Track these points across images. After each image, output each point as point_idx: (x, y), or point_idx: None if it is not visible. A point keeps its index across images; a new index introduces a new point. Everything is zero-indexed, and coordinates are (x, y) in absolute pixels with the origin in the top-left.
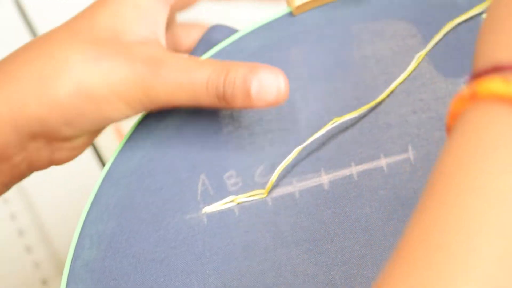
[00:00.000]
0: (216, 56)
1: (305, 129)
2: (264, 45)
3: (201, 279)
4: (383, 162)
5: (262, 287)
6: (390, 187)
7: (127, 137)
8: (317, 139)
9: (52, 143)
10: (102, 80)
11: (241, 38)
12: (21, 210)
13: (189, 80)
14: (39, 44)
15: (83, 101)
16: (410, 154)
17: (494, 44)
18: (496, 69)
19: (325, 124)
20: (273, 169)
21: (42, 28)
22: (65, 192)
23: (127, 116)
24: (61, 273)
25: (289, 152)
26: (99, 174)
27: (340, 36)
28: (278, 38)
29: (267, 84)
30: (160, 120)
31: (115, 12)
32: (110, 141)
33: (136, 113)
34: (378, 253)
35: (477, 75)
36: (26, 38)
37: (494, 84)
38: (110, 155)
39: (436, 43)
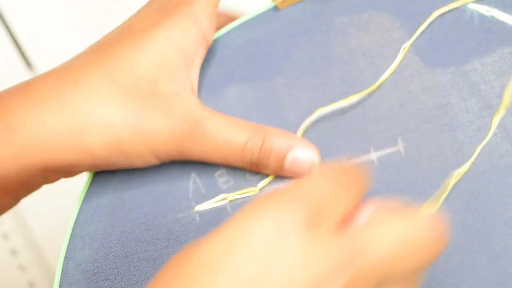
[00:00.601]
0: None
1: (293, 125)
2: (249, 40)
3: None
4: (373, 155)
5: None
6: (381, 180)
7: None
8: (306, 135)
9: (58, 175)
10: (140, 139)
11: (226, 34)
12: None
13: (226, 143)
14: (74, 87)
15: (116, 154)
16: (400, 146)
17: None
18: None
19: (315, 121)
20: None
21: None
22: (52, 198)
23: (151, 164)
24: (47, 276)
25: None
26: (87, 177)
27: (325, 29)
28: (263, 33)
29: (301, 159)
30: None
31: (157, 57)
32: None
33: (161, 162)
34: None
35: None
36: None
37: None
38: None
39: (421, 34)
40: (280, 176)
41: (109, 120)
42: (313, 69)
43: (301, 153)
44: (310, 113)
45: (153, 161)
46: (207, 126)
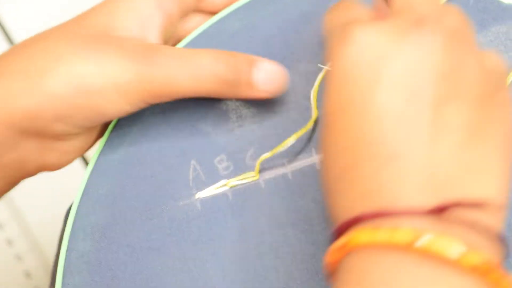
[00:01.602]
0: (197, 38)
1: (292, 110)
2: (245, 25)
3: (198, 264)
4: None
5: (261, 270)
6: None
7: (112, 125)
8: (306, 119)
9: (44, 141)
10: (97, 71)
11: (221, 19)
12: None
13: (190, 65)
14: (33, 41)
15: (76, 93)
16: None
17: (348, 196)
18: (357, 220)
19: (312, 104)
20: (263, 151)
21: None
22: (48, 192)
23: (123, 112)
24: (44, 265)
25: (278, 134)
26: (83, 173)
27: (322, 13)
28: (258, 18)
29: (271, 71)
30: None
31: (108, 11)
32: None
33: (133, 108)
34: None
35: (342, 228)
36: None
37: (362, 233)
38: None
39: None
40: (255, 96)
41: (62, 57)
42: (310, 54)
43: (269, 67)
44: (309, 99)
45: (121, 103)
46: (166, 52)
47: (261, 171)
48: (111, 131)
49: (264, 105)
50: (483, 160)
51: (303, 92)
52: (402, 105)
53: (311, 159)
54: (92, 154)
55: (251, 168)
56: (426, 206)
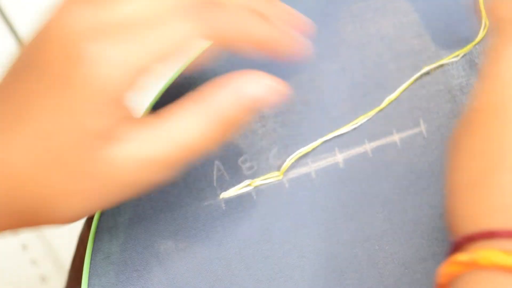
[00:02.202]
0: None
1: (315, 110)
2: None
3: (224, 264)
4: (396, 137)
5: (287, 269)
6: (405, 162)
7: None
8: (328, 118)
9: None
10: None
11: None
12: None
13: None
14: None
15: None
16: (422, 127)
17: (480, 206)
18: (489, 235)
19: (335, 103)
20: (286, 150)
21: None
22: None
23: None
24: (59, 270)
25: (301, 133)
26: None
27: (342, 15)
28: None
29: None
30: None
31: None
32: None
33: None
34: (398, 228)
35: (468, 239)
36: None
37: (494, 255)
38: None
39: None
40: None
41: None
42: (332, 54)
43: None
44: (332, 97)
45: None
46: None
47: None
48: None
49: (286, 104)
50: None
51: (327, 92)
52: None
53: (334, 158)
54: None
55: (275, 168)
56: None
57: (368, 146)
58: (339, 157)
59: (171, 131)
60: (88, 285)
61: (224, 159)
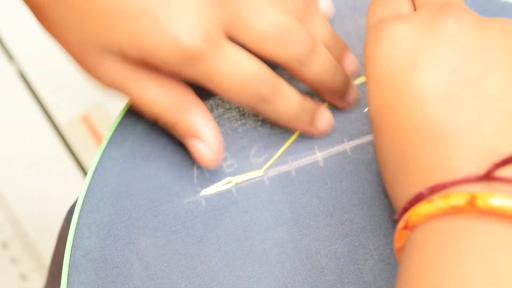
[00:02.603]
0: None
1: None
2: None
3: (204, 261)
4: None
5: (267, 265)
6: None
7: (116, 123)
8: None
9: None
10: None
11: None
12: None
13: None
14: None
15: None
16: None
17: (405, 189)
18: (415, 201)
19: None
20: (266, 149)
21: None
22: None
23: None
24: (39, 268)
25: (281, 132)
26: (80, 180)
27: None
28: None
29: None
30: None
31: None
32: (88, 146)
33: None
34: (377, 224)
35: (403, 213)
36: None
37: (418, 208)
38: (90, 161)
39: None
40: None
41: None
42: None
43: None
44: (311, 96)
45: None
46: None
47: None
48: (115, 130)
49: None
50: None
51: (307, 91)
52: (442, 84)
53: (313, 156)
54: (89, 158)
55: (255, 166)
56: (478, 173)
57: (347, 145)
58: (319, 156)
59: None
60: (68, 282)
61: None
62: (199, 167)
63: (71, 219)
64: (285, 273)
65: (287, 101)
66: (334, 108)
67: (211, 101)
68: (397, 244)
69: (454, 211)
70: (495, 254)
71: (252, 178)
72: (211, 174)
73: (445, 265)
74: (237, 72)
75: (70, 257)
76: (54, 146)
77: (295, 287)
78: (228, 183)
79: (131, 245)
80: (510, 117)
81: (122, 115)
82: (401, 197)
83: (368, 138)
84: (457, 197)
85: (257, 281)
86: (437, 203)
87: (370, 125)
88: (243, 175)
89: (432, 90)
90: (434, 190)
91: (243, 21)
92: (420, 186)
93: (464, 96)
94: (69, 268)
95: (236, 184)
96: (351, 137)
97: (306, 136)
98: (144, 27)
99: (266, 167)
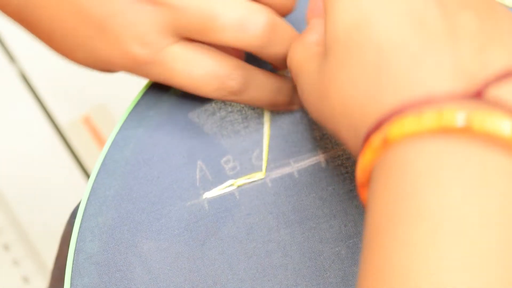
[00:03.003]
0: None
1: (297, 110)
2: None
3: (207, 264)
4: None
5: (270, 268)
6: None
7: (119, 126)
8: (310, 119)
9: None
10: None
11: None
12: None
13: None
14: None
15: None
16: None
17: (384, 91)
18: (395, 113)
19: None
20: (269, 151)
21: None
22: (45, 198)
23: None
24: (41, 270)
25: (284, 135)
26: (81, 181)
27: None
28: None
29: None
30: (150, 107)
31: None
32: (90, 148)
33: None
34: None
35: (378, 124)
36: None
37: (403, 124)
38: (91, 162)
39: None
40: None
41: None
42: None
43: None
44: None
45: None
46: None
47: (267, 170)
48: (118, 132)
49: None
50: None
51: None
52: (419, 11)
53: (316, 158)
54: (91, 159)
55: (258, 168)
56: (465, 91)
57: None
58: (322, 157)
59: None
60: (71, 286)
61: (207, 159)
62: (202, 169)
63: (73, 222)
64: (288, 275)
65: (260, 89)
66: None
67: (213, 104)
68: (361, 169)
69: (445, 131)
70: (489, 183)
71: (254, 181)
72: (213, 177)
73: (433, 192)
74: (189, 71)
75: (73, 261)
76: (55, 147)
77: None
78: (230, 185)
79: (134, 248)
80: (484, 51)
81: (124, 117)
82: (373, 113)
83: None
84: (450, 113)
85: (260, 283)
86: (427, 119)
87: None
88: (246, 177)
89: (408, 14)
90: (420, 104)
91: (187, 25)
92: (395, 100)
93: (439, 30)
94: (72, 271)
95: (239, 186)
96: None
97: (308, 138)
98: (97, 45)
99: (264, 166)
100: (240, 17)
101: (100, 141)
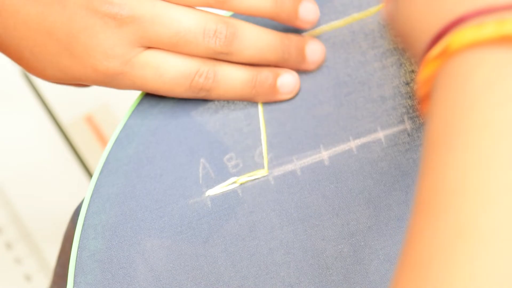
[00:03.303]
0: None
1: (299, 108)
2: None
3: (210, 261)
4: (380, 134)
5: (272, 265)
6: (390, 159)
7: (122, 125)
8: (313, 116)
9: None
10: None
11: None
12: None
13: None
14: None
15: None
16: (407, 125)
17: (441, 7)
18: (456, 22)
19: (320, 102)
20: (271, 148)
21: None
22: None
23: None
24: (43, 269)
25: (285, 132)
26: (83, 181)
27: (326, 11)
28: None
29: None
30: (153, 106)
31: None
32: (92, 147)
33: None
34: (383, 224)
35: (438, 36)
36: None
37: (464, 33)
38: (94, 161)
39: None
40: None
41: None
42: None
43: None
44: (316, 95)
45: None
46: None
47: (270, 168)
48: (121, 131)
49: (271, 103)
50: None
51: (311, 90)
52: None
53: (319, 155)
54: (93, 158)
55: (260, 166)
56: None
57: (353, 143)
58: (325, 155)
59: None
60: (74, 283)
61: (209, 157)
62: (205, 167)
63: (77, 220)
64: (291, 273)
65: (232, 82)
66: (339, 104)
67: (216, 102)
68: (421, 80)
69: (506, 40)
70: None
71: (257, 178)
72: (216, 175)
73: (494, 103)
74: (160, 74)
75: (77, 258)
76: (58, 146)
77: (300, 287)
78: (233, 183)
79: (137, 246)
80: None
81: (128, 116)
82: (435, 24)
83: (374, 136)
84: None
85: (262, 281)
86: (489, 28)
87: (375, 123)
88: (248, 175)
89: None
90: (480, 13)
91: (151, 35)
92: (457, 9)
93: None
94: (75, 269)
95: (242, 184)
96: (357, 135)
97: (311, 134)
98: (66, 61)
99: (265, 163)
100: (195, 24)
101: (103, 140)
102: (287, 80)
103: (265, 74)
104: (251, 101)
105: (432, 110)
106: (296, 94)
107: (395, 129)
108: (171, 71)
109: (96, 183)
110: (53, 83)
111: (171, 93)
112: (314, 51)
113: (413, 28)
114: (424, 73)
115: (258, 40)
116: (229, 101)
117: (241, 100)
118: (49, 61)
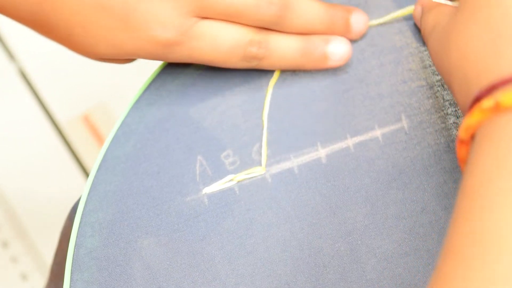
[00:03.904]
0: None
1: (297, 105)
2: None
3: (206, 259)
4: (378, 132)
5: (269, 263)
6: (387, 157)
7: (120, 122)
8: (310, 113)
9: None
10: None
11: None
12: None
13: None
14: None
15: None
16: (404, 123)
17: (502, 56)
18: (510, 81)
19: (317, 99)
20: (268, 145)
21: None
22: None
23: None
24: (40, 267)
25: (283, 129)
26: (80, 180)
27: None
28: None
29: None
30: (152, 103)
31: None
32: (89, 146)
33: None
34: (380, 222)
35: (491, 88)
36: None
37: None
38: (90, 160)
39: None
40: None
41: None
42: None
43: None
44: (314, 92)
45: None
46: None
47: (267, 165)
48: (118, 128)
49: (271, 100)
50: None
51: (310, 87)
52: None
53: (316, 153)
54: (90, 157)
55: (258, 163)
56: None
57: (350, 141)
58: (322, 152)
59: None
60: (71, 281)
61: (206, 154)
62: (202, 164)
63: (73, 217)
64: (288, 271)
65: (284, 50)
66: (336, 101)
67: (213, 99)
68: (466, 127)
69: None
70: None
71: (254, 176)
72: (213, 172)
73: None
74: (217, 45)
75: (73, 256)
76: (55, 145)
77: (297, 285)
78: (230, 180)
79: (133, 244)
80: None
81: (126, 113)
82: (489, 75)
83: (371, 134)
84: None
85: (259, 279)
86: None
87: (372, 121)
88: (245, 172)
89: None
90: None
91: (206, 5)
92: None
93: None
94: (72, 266)
95: (239, 182)
96: (355, 133)
97: (308, 132)
98: (121, 35)
99: (264, 161)
100: None
101: (100, 139)
102: (338, 47)
103: (316, 41)
104: (301, 70)
105: (473, 157)
106: (346, 62)
107: (392, 127)
108: (227, 41)
109: (93, 181)
110: (101, 60)
111: (225, 63)
112: (358, 20)
113: (462, 69)
114: (469, 120)
115: (307, 9)
116: (225, 97)
117: (292, 69)
118: (103, 36)
